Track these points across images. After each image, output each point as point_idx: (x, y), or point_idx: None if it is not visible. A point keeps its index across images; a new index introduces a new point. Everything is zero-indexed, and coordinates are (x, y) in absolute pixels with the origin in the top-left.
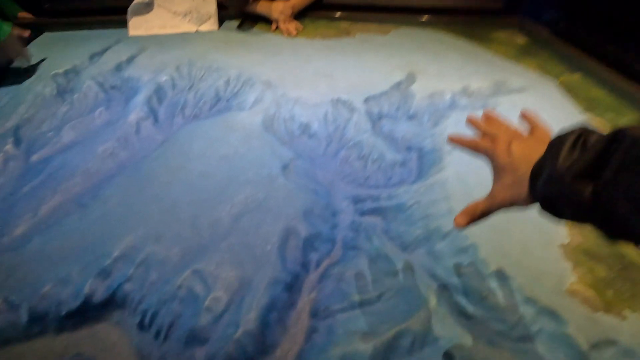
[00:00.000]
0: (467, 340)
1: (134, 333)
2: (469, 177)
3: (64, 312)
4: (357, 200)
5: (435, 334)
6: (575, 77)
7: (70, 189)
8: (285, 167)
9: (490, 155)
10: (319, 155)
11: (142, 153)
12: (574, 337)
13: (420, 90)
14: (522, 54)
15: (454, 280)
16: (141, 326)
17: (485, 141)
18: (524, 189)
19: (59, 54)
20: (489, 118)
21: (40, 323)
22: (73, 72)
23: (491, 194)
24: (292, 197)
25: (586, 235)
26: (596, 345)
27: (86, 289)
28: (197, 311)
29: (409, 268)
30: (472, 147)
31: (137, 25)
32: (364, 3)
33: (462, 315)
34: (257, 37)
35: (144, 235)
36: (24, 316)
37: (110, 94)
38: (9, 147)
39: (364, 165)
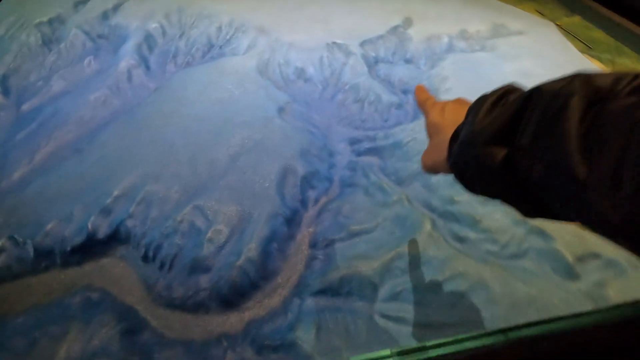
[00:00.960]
0: (460, 259)
1: (138, 265)
2: None
3: (69, 248)
4: (353, 141)
5: (429, 255)
6: (575, 20)
7: (64, 136)
8: (281, 110)
9: (425, 112)
10: (315, 99)
11: (135, 101)
12: (561, 252)
13: (417, 34)
14: None
15: (449, 207)
16: (145, 259)
17: (430, 99)
18: (444, 153)
19: (41, 2)
20: None
21: (47, 258)
22: (58, 21)
23: (422, 156)
24: (289, 138)
25: None
26: (581, 259)
27: (89, 226)
28: (199, 243)
29: (404, 199)
30: (419, 101)
31: None
32: None
33: (456, 238)
34: None
35: (142, 175)
36: (30, 252)
37: (98, 43)
38: None
39: (361, 108)
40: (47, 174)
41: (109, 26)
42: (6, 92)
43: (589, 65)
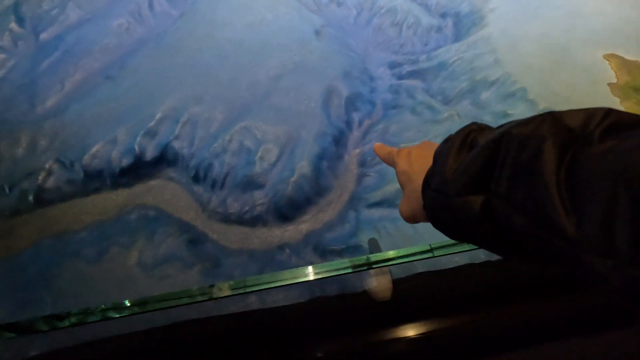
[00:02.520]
0: None
1: (189, 185)
2: (514, 30)
3: (118, 169)
4: (393, 65)
5: None
6: None
7: (91, 63)
8: (317, 33)
9: (393, 164)
10: (350, 24)
11: (159, 28)
12: None
13: None
14: None
15: (503, 121)
16: (196, 179)
17: (393, 150)
18: (419, 201)
19: None
20: None
21: (97, 180)
22: None
23: (399, 207)
24: (328, 59)
25: (634, 74)
26: None
27: (136, 147)
28: (251, 161)
29: (455, 115)
30: (383, 156)
31: None
32: None
33: None
34: None
35: (183, 97)
36: (79, 173)
37: None
38: (13, 25)
39: (399, 32)
40: (82, 100)
41: None
42: (21, 21)
43: None
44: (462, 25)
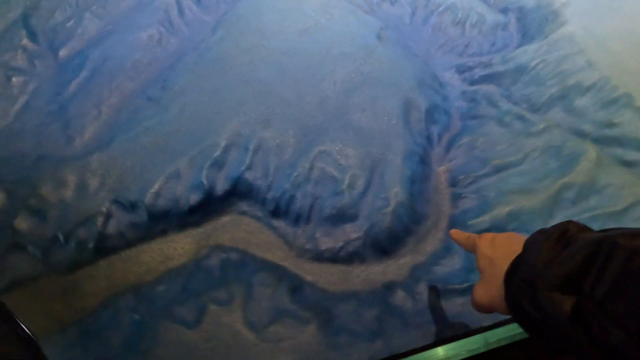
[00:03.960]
0: (634, 183)
1: (267, 220)
2: (598, 28)
3: (186, 208)
4: (462, 69)
5: (601, 184)
6: None
7: (126, 84)
8: (379, 38)
9: (473, 247)
10: (406, 24)
11: (195, 38)
12: None
13: None
14: None
15: (607, 131)
16: (276, 213)
17: (472, 235)
18: (501, 289)
19: None
20: None
21: (162, 221)
22: None
23: (473, 293)
24: (399, 67)
25: None
26: None
27: (204, 181)
28: (338, 191)
29: (552, 126)
30: (462, 241)
31: None
32: None
33: (624, 164)
34: None
35: (247, 120)
36: (142, 215)
37: None
38: (25, 41)
39: (462, 32)
40: (127, 128)
41: None
42: (33, 36)
43: None
44: (528, 21)
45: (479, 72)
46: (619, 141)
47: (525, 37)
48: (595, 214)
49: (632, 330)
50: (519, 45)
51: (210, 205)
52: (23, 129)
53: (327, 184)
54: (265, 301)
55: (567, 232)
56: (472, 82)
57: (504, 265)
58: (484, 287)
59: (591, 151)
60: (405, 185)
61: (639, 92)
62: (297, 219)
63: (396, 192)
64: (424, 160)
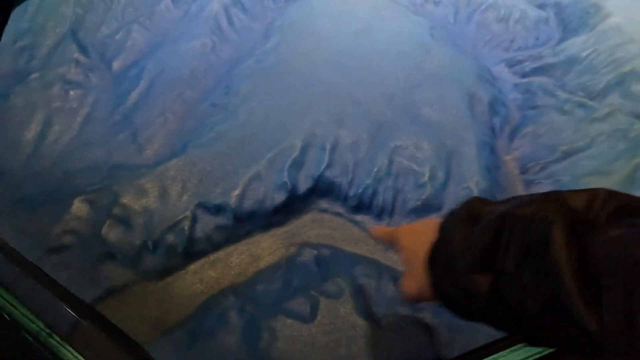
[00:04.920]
0: None
1: (348, 216)
2: None
3: (271, 208)
4: (512, 63)
5: None
6: None
7: (188, 92)
8: (432, 36)
9: (394, 241)
10: (450, 23)
11: (247, 44)
12: None
13: None
14: None
15: None
16: (358, 208)
17: (390, 228)
18: (424, 279)
19: None
20: None
21: (248, 222)
22: None
23: (400, 285)
24: (458, 64)
25: None
26: None
27: (287, 181)
28: (420, 183)
29: (615, 111)
30: (382, 237)
31: None
32: None
33: None
34: None
35: (320, 121)
36: (228, 217)
37: None
38: (77, 55)
39: (506, 28)
40: (198, 134)
41: None
42: (84, 50)
43: None
44: (567, 15)
45: (529, 65)
46: None
47: (567, 30)
48: None
49: (545, 299)
50: (562, 39)
51: (292, 205)
52: (90, 140)
53: (408, 177)
54: (373, 292)
55: (472, 210)
56: (524, 75)
57: (424, 253)
58: (409, 278)
59: None
60: (484, 174)
61: None
62: (381, 213)
63: (477, 181)
64: (493, 150)
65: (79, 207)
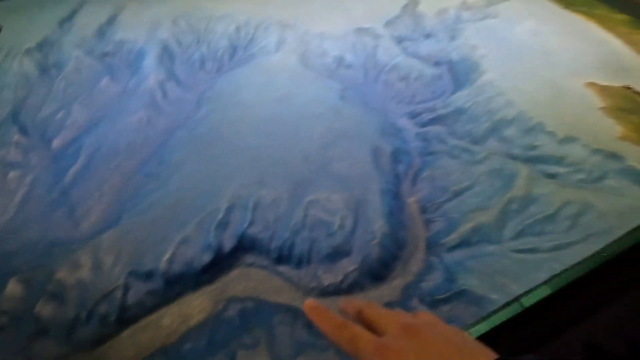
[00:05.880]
0: (561, 192)
1: (272, 267)
2: (511, 73)
3: (199, 268)
4: (413, 115)
5: (535, 194)
6: None
7: (124, 164)
8: (342, 98)
9: (355, 351)
10: (361, 83)
11: (180, 115)
12: (634, 166)
13: (427, 9)
14: None
15: (531, 152)
16: (279, 259)
17: (370, 340)
18: None
19: (18, 25)
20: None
21: (178, 284)
22: (47, 45)
23: None
24: (364, 122)
25: (614, 97)
26: None
27: (213, 242)
28: (331, 232)
29: (491, 154)
30: (345, 344)
31: None
32: None
33: (548, 176)
34: None
35: (244, 183)
36: (159, 281)
37: (106, 62)
38: (17, 137)
39: (407, 85)
40: (133, 205)
41: (113, 42)
42: (24, 131)
43: (574, 18)
44: (458, 71)
45: (427, 116)
46: (541, 159)
47: (457, 84)
48: (536, 218)
49: None
50: (453, 91)
51: (220, 263)
52: (27, 219)
53: (321, 228)
54: (287, 338)
55: None
56: (423, 125)
57: None
58: None
59: (523, 170)
60: (387, 219)
61: (548, 119)
62: (300, 262)
63: (380, 225)
64: (397, 195)
65: (13, 287)
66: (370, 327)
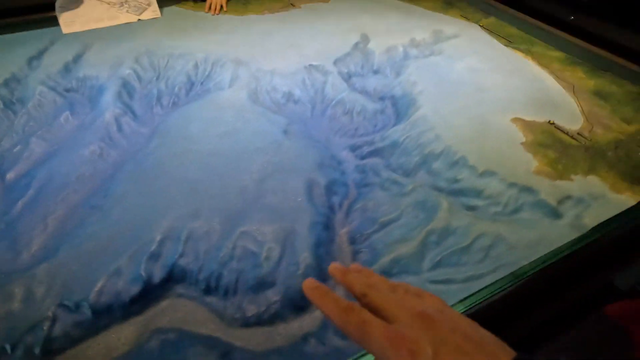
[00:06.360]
0: (477, 224)
1: (201, 299)
2: (443, 109)
3: (127, 300)
4: (354, 148)
5: (453, 226)
6: (491, 20)
7: (72, 196)
8: (285, 132)
9: (362, 336)
10: (308, 117)
11: (132, 149)
12: (546, 200)
13: (376, 47)
14: (446, 6)
15: (455, 185)
16: (207, 291)
17: (381, 329)
18: None
19: None
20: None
21: (106, 315)
22: (14, 81)
23: None
24: (302, 155)
25: (535, 132)
26: (560, 202)
27: (143, 273)
28: (257, 263)
29: (417, 186)
30: (353, 330)
31: (70, 22)
32: None
33: (468, 208)
34: (207, 20)
35: (180, 216)
36: (87, 313)
37: (69, 97)
38: None
39: (351, 119)
40: (72, 236)
41: (77, 78)
42: None
43: (513, 55)
44: (399, 106)
45: (366, 149)
46: (462, 192)
47: (398, 118)
48: (452, 250)
49: None
50: (394, 125)
51: (149, 294)
52: None
53: (249, 259)
54: None
55: None
56: (362, 157)
57: None
58: None
59: (445, 202)
60: (312, 250)
61: (471, 154)
62: (226, 293)
63: (304, 257)
64: (327, 227)
65: None
66: (377, 311)
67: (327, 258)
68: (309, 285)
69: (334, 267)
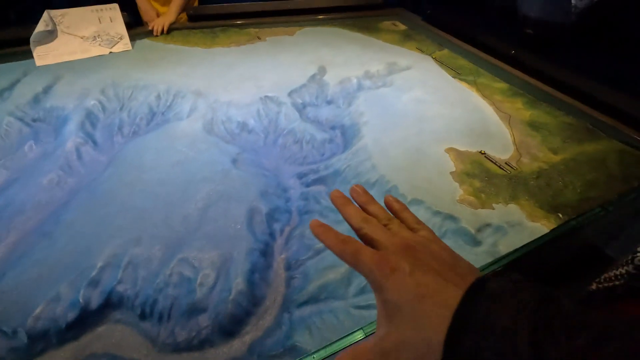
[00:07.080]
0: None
1: (136, 324)
2: (382, 139)
3: (64, 325)
4: (301, 175)
5: None
6: (444, 52)
7: (25, 223)
8: (235, 161)
9: (379, 283)
10: (260, 146)
11: (90, 176)
12: (466, 227)
13: (331, 79)
14: (403, 39)
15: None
16: (143, 316)
17: (370, 255)
18: (430, 347)
19: None
20: (362, 196)
21: (42, 341)
22: None
23: (380, 344)
24: (248, 184)
25: (465, 162)
26: (479, 229)
27: (81, 299)
28: (192, 289)
29: None
30: (348, 258)
31: (44, 55)
32: (267, 9)
33: None
34: (175, 53)
35: (122, 243)
36: (22, 339)
37: (35, 127)
38: None
39: (300, 148)
40: (19, 263)
41: (44, 109)
42: None
43: (460, 86)
44: (347, 135)
45: (311, 177)
46: None
47: (346, 147)
48: None
49: None
50: (342, 152)
51: (87, 319)
52: None
53: (184, 285)
54: None
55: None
56: (307, 185)
57: (438, 323)
58: (406, 344)
59: None
60: (246, 276)
61: (402, 183)
62: (160, 319)
63: (237, 282)
64: (265, 253)
65: None
66: (370, 242)
67: (261, 284)
68: (315, 223)
69: (335, 195)
